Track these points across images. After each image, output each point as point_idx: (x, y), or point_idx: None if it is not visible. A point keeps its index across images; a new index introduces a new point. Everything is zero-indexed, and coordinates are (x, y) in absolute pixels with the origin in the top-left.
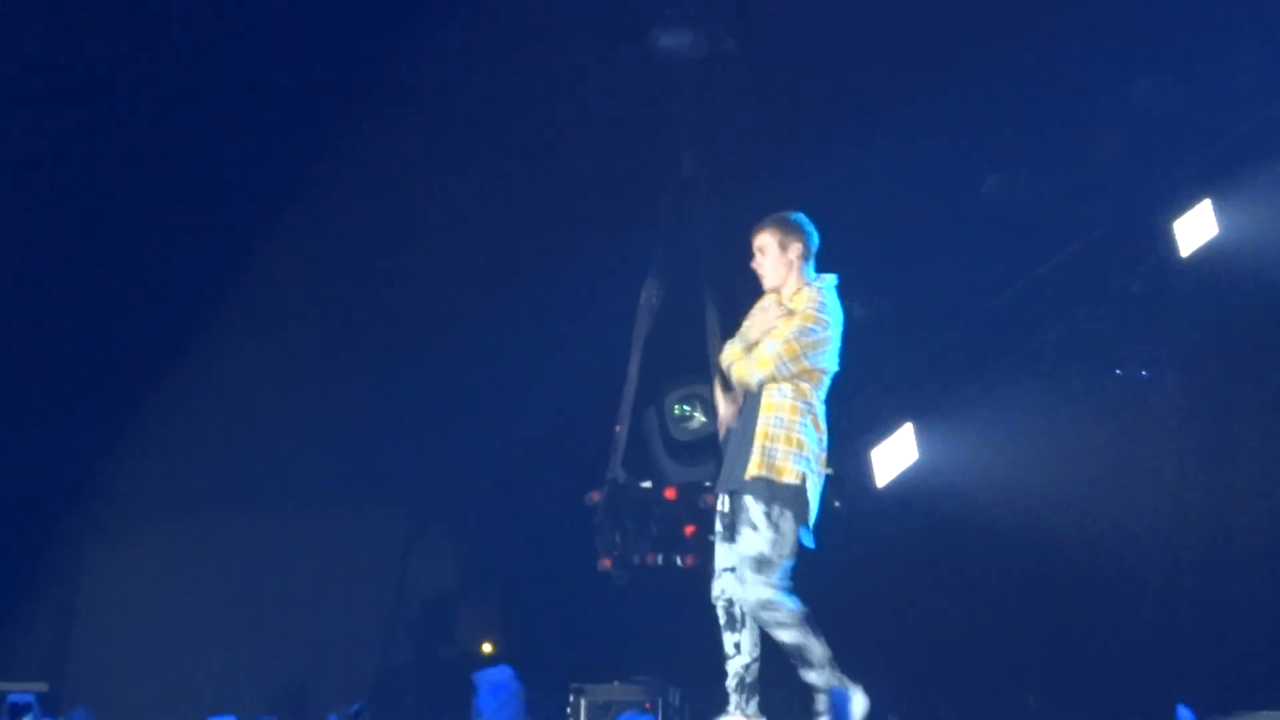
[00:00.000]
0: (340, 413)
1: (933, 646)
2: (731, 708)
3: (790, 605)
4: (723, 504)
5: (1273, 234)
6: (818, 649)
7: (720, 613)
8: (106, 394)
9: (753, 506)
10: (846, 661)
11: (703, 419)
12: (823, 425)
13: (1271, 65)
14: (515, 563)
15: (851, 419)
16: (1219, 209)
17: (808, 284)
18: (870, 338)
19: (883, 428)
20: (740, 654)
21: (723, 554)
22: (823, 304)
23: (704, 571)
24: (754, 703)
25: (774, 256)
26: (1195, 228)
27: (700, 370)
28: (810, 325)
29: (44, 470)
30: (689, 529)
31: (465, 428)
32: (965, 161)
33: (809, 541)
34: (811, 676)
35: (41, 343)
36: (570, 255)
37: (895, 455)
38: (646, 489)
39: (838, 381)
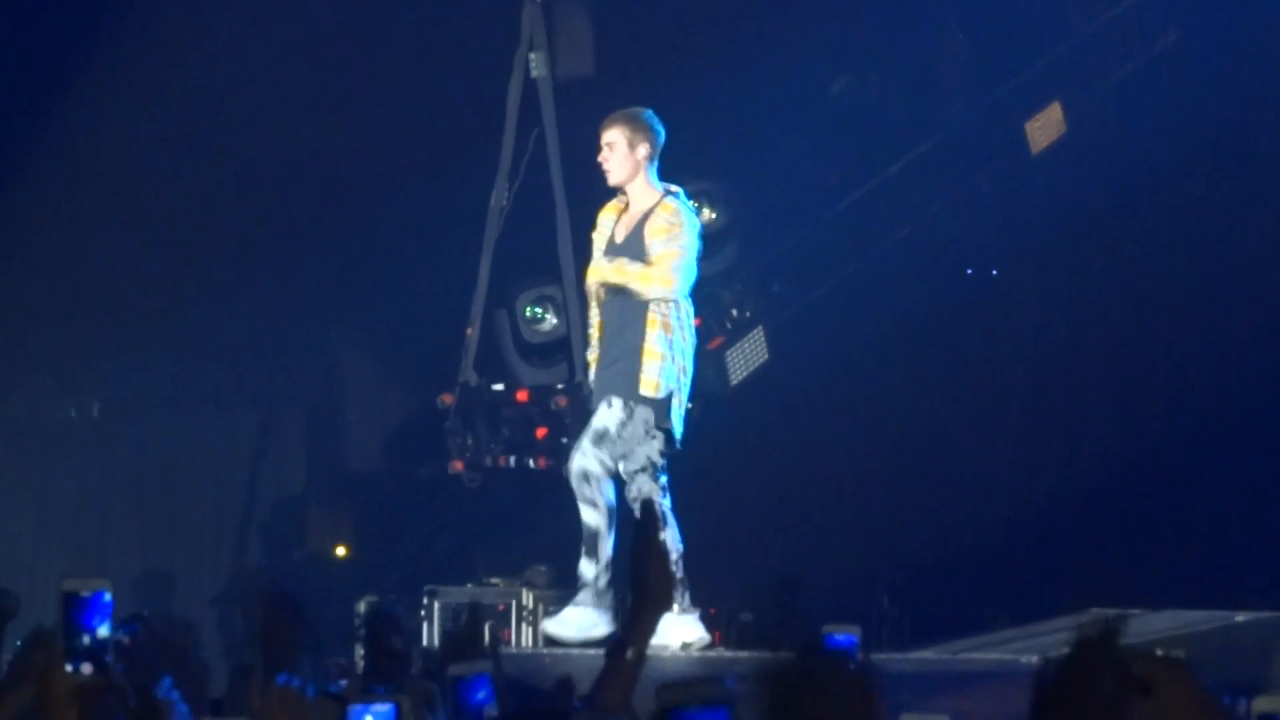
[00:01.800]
0: (194, 312)
1: (786, 546)
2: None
3: (607, 491)
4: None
5: (1121, 132)
6: (608, 548)
7: (639, 513)
8: None
9: (616, 401)
10: (702, 559)
11: (554, 320)
12: (690, 337)
13: None
14: (368, 465)
15: (705, 321)
16: (1069, 108)
17: (663, 193)
18: (722, 240)
19: (735, 330)
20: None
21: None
22: (689, 221)
23: (556, 473)
24: (686, 596)
25: (621, 153)
26: (1045, 127)
27: (551, 272)
28: (689, 241)
29: None
30: (541, 431)
31: (318, 330)
32: (814, 63)
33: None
34: (586, 567)
35: None
36: (419, 158)
37: (747, 356)
38: (498, 391)
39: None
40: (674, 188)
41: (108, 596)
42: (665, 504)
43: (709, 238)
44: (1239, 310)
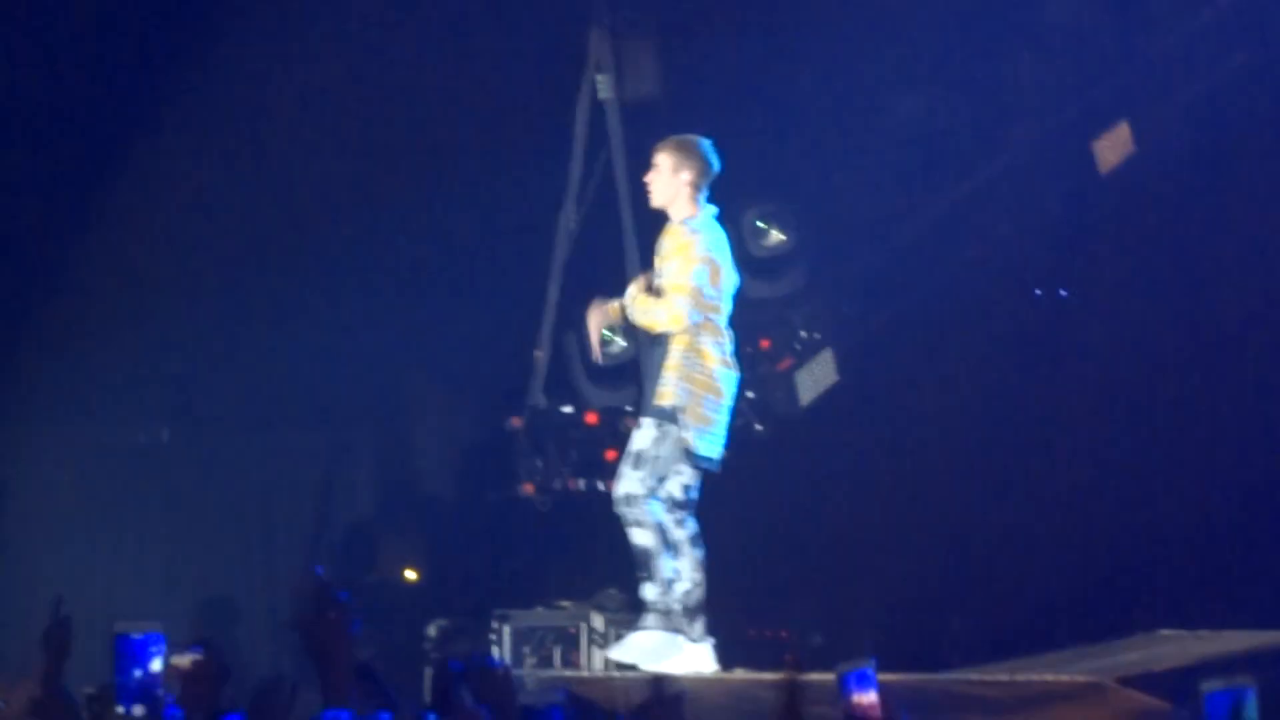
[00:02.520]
0: (263, 336)
1: (857, 567)
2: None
3: (653, 510)
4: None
5: (1191, 152)
6: (663, 567)
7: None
8: (13, 311)
9: (646, 420)
10: (772, 582)
11: (623, 343)
12: (726, 348)
13: None
14: (437, 489)
15: (774, 343)
16: (1137, 127)
17: (676, 221)
18: (791, 261)
19: (804, 351)
20: (681, 579)
21: None
22: (693, 240)
23: None
24: (698, 626)
25: (665, 176)
26: (1114, 146)
27: (618, 295)
28: (698, 265)
29: None
30: (610, 453)
31: (388, 353)
32: (882, 84)
33: (709, 461)
34: (648, 590)
35: None
36: (489, 180)
37: (817, 378)
38: (567, 414)
39: (761, 307)
40: (703, 210)
41: (159, 638)
42: (690, 528)
43: (776, 259)
44: None
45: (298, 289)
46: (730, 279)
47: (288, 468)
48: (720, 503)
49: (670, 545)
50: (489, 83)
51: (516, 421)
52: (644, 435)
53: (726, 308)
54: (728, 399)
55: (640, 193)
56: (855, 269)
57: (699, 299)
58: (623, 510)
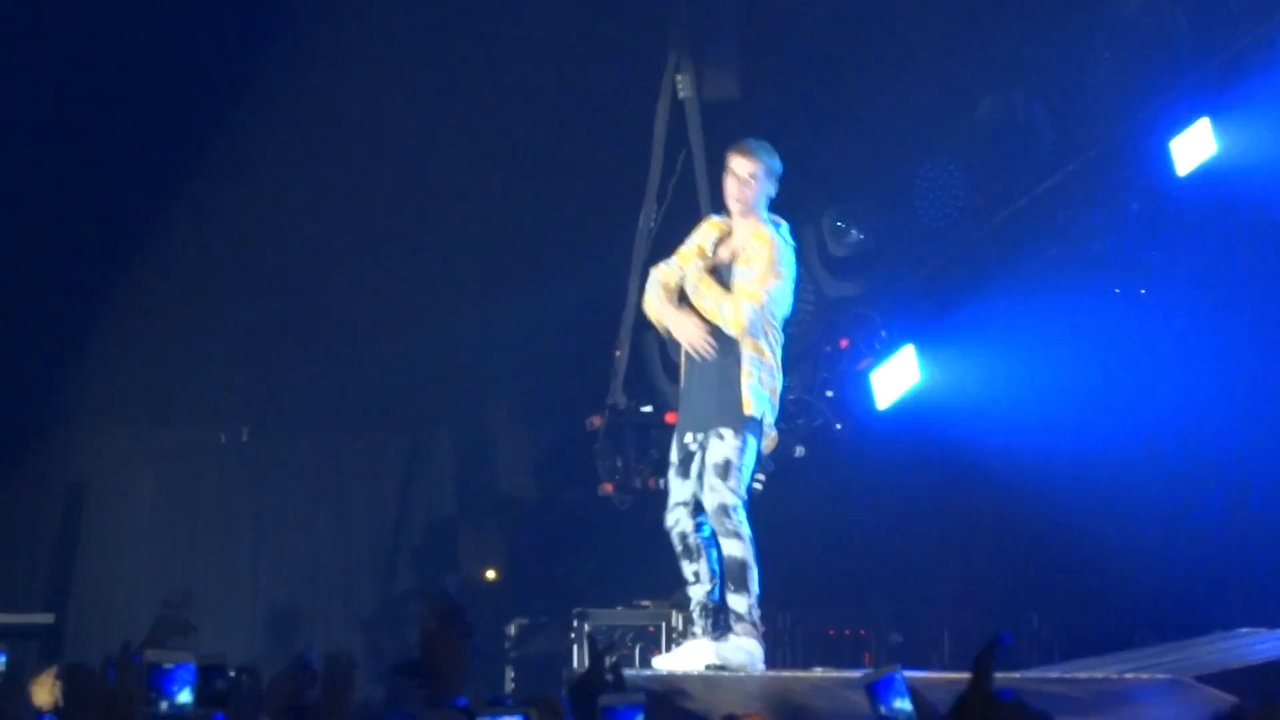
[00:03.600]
0: (343, 337)
1: (935, 566)
2: (699, 632)
3: (746, 520)
4: (689, 440)
5: (1270, 150)
6: (755, 576)
7: (676, 543)
8: (96, 311)
9: (724, 427)
10: (850, 581)
11: None
12: (779, 363)
13: None
14: (517, 489)
15: (853, 342)
16: (1217, 126)
17: (766, 226)
18: (870, 260)
19: (883, 350)
20: (701, 582)
21: (677, 487)
22: (781, 256)
23: None
24: (721, 622)
25: (754, 191)
26: (1193, 145)
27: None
28: (776, 283)
29: (40, 392)
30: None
31: (468, 354)
32: (961, 83)
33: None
34: (738, 602)
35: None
36: (571, 178)
37: (896, 377)
38: (647, 413)
39: (840, 306)
40: (782, 223)
41: (191, 667)
42: (705, 531)
43: (856, 258)
44: None
45: (378, 291)
46: (790, 304)
47: (369, 468)
48: (799, 504)
49: (694, 549)
50: (570, 82)
51: (596, 421)
52: (729, 445)
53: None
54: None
55: (718, 190)
56: (935, 268)
57: (765, 313)
58: (719, 521)
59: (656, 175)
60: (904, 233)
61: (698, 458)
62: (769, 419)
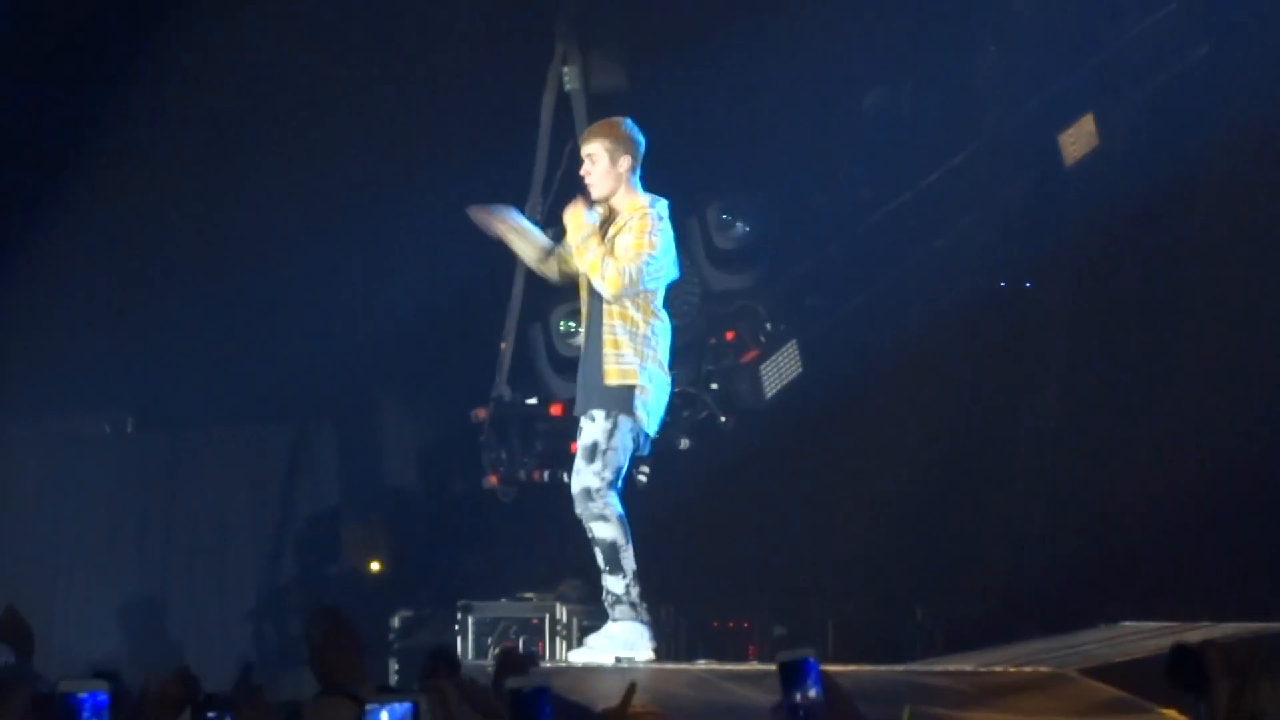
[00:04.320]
0: (228, 327)
1: (819, 559)
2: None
3: (614, 502)
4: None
5: (1155, 144)
6: (629, 557)
7: (588, 531)
8: None
9: (595, 409)
10: (735, 573)
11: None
12: (663, 333)
13: None
14: (401, 481)
15: (738, 334)
16: (1101, 120)
17: (642, 199)
18: (756, 253)
19: (769, 343)
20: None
21: None
22: (654, 227)
23: None
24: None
25: (603, 167)
26: (1078, 139)
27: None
28: (650, 252)
29: None
30: (574, 445)
31: (352, 345)
32: (847, 75)
33: (645, 446)
34: (614, 583)
35: None
36: (453, 170)
37: (781, 369)
38: (532, 405)
39: (726, 299)
40: (660, 200)
41: (102, 698)
42: (607, 492)
43: (741, 251)
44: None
45: (262, 281)
46: (671, 275)
47: (253, 459)
48: (684, 494)
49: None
50: (455, 73)
51: (481, 413)
52: (598, 427)
53: (660, 296)
54: (667, 366)
55: None
56: (820, 261)
57: (637, 283)
58: (584, 505)
59: (543, 168)
60: (789, 225)
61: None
62: (645, 392)
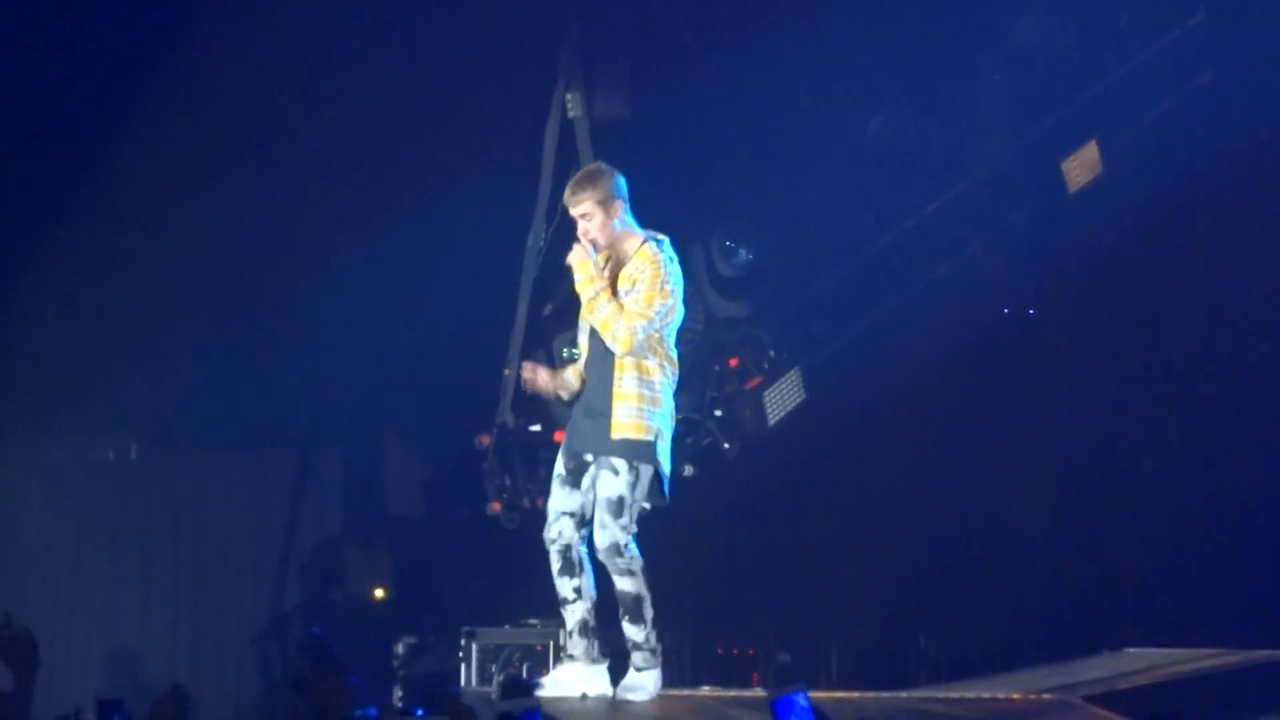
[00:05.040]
0: (232, 353)
1: (823, 585)
2: (579, 654)
3: (638, 553)
4: (585, 454)
5: (1157, 170)
6: (649, 607)
7: (555, 558)
8: None
9: (616, 459)
10: (739, 600)
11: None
12: (673, 376)
13: (1152, 4)
14: (405, 507)
15: (742, 361)
16: (1105, 147)
17: (643, 240)
18: (758, 281)
19: (773, 370)
20: (582, 598)
21: (564, 497)
22: (667, 274)
23: None
24: (597, 646)
25: (599, 221)
26: (1082, 166)
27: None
28: (664, 301)
29: None
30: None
31: (355, 371)
32: (851, 103)
33: (665, 493)
34: (635, 632)
35: None
36: (457, 197)
37: (784, 396)
38: (535, 432)
39: (729, 326)
40: (662, 239)
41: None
42: (583, 549)
43: (744, 278)
44: None
45: (266, 307)
46: (680, 316)
47: (256, 485)
48: (688, 521)
49: (575, 563)
50: (459, 100)
51: (485, 440)
52: (621, 481)
53: (672, 339)
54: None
55: None
56: (824, 287)
57: (652, 329)
58: (611, 560)
59: (546, 194)
60: (793, 253)
61: (590, 474)
62: (663, 438)
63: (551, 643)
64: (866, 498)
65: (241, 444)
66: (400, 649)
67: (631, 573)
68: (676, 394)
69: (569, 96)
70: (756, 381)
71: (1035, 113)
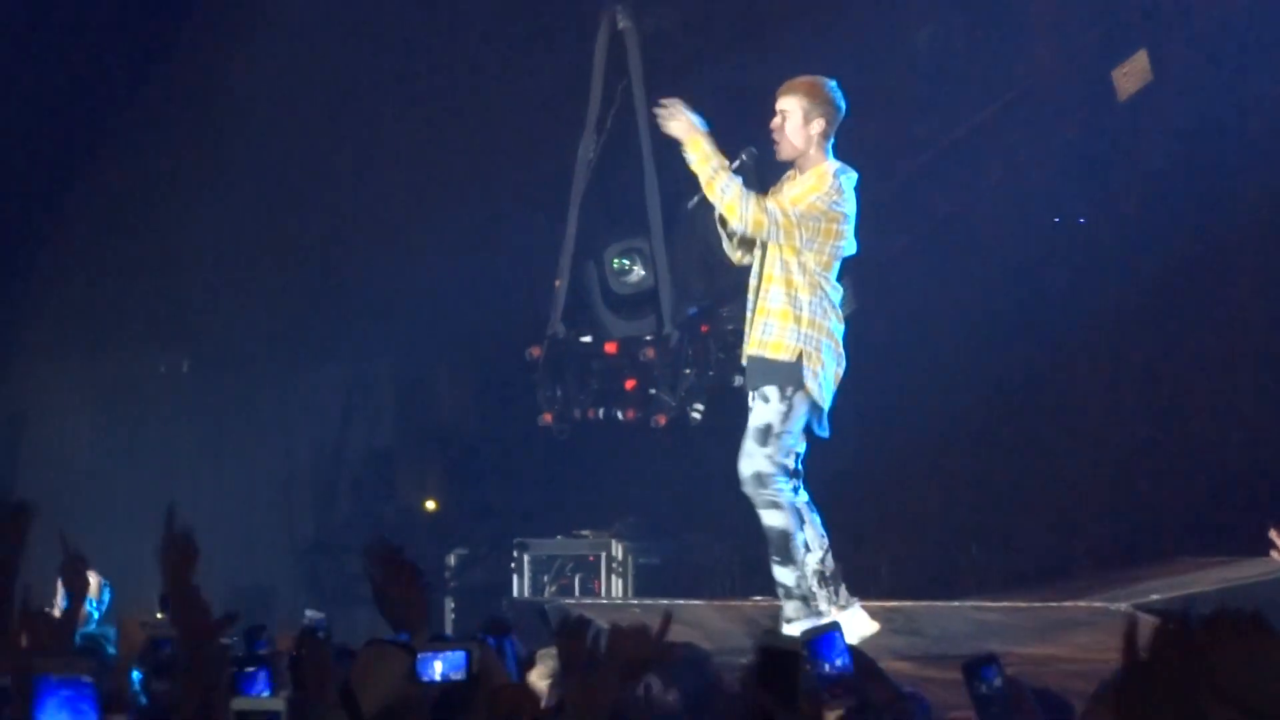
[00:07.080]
0: (283, 268)
1: (873, 496)
2: (823, 604)
3: (786, 488)
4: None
5: (1207, 80)
6: (800, 549)
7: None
8: (31, 243)
9: (768, 389)
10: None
11: (641, 272)
12: (835, 304)
13: None
14: (457, 419)
15: None
16: (1154, 55)
17: (827, 163)
18: None
19: None
20: (812, 549)
21: None
22: (837, 191)
23: (644, 425)
24: (842, 591)
25: (795, 125)
26: (1131, 75)
27: (638, 224)
28: (816, 213)
29: None
30: (629, 383)
31: (405, 283)
32: (899, 13)
33: (821, 429)
34: (785, 574)
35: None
36: (508, 110)
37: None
38: (586, 343)
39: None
40: (848, 169)
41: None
42: (802, 497)
43: None
44: None
45: (318, 223)
46: (850, 249)
47: (309, 400)
48: (734, 432)
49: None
50: (509, 11)
51: (535, 351)
52: (772, 409)
53: (835, 269)
54: (841, 339)
55: (657, 123)
56: (871, 197)
57: (790, 233)
58: (755, 490)
59: (596, 106)
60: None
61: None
62: (810, 350)
63: (604, 553)
64: (915, 408)
65: (294, 359)
66: (452, 561)
67: (776, 505)
68: (731, 304)
69: (618, 8)
70: None
71: (1084, 20)
